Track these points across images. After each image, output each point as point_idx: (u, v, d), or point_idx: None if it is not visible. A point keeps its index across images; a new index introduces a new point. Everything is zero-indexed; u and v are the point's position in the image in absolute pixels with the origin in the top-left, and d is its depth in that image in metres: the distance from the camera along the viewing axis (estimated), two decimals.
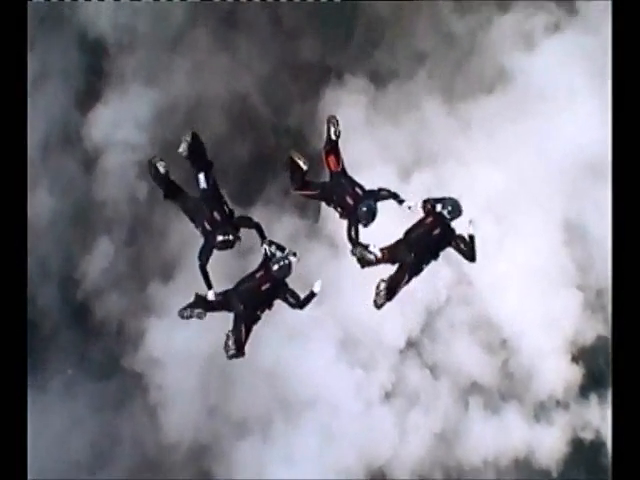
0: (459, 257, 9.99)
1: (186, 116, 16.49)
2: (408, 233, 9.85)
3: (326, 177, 10.29)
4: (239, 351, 9.87)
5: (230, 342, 9.88)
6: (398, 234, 9.92)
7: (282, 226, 15.76)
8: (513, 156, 15.67)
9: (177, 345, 15.61)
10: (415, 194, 15.11)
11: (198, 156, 10.04)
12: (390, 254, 9.69)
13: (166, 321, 15.66)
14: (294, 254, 9.98)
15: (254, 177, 16.54)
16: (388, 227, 9.80)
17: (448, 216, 9.71)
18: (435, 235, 9.70)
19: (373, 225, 9.74)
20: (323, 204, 10.46)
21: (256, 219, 10.23)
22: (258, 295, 9.84)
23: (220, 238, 9.69)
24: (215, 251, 9.78)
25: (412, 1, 16.56)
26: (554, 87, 15.85)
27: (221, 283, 9.81)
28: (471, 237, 9.78)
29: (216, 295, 9.85)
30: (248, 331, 9.89)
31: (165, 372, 15.97)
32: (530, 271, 15.44)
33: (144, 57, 16.87)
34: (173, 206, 10.26)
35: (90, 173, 16.69)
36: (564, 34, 16.16)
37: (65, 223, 16.58)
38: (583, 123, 15.26)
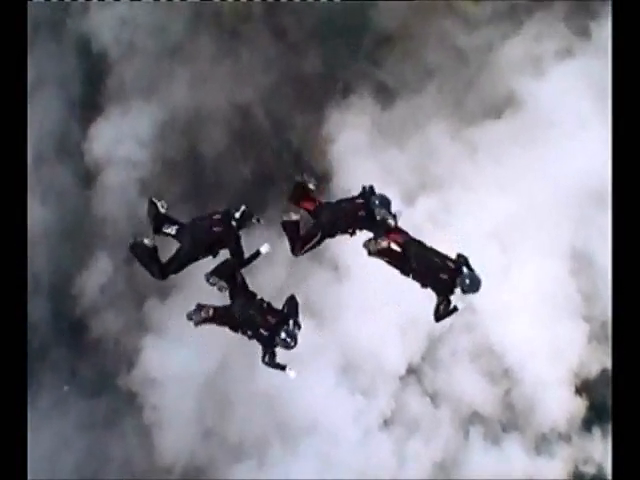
0: None
1: (187, 132, 16.46)
2: (339, 202, 10.07)
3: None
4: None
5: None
6: None
7: (283, 248, 15.61)
8: (520, 182, 15.47)
9: (174, 364, 15.47)
10: (420, 218, 15.21)
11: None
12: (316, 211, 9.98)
13: (163, 340, 15.57)
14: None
15: (256, 196, 16.39)
16: None
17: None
18: (359, 216, 9.87)
19: None
20: None
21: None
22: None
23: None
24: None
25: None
26: (563, 113, 15.65)
27: None
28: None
29: None
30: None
31: (161, 392, 15.79)
32: (535, 300, 15.24)
33: (145, 68, 16.77)
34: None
35: (90, 188, 16.60)
36: (575, 59, 15.97)
37: (62, 238, 16.47)
38: (592, 150, 15.04)
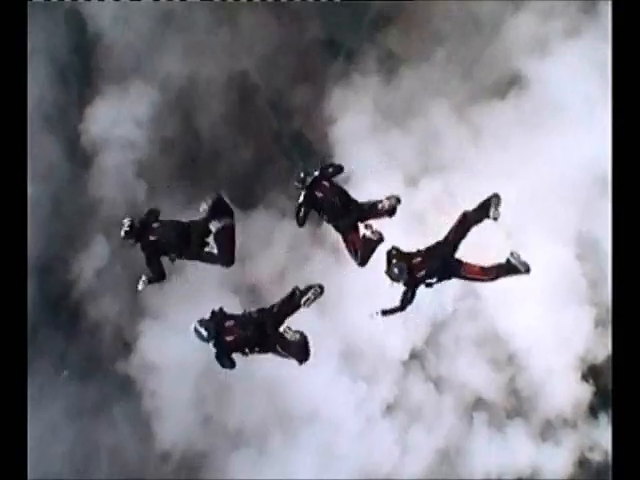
0: None
1: (184, 113, 16.30)
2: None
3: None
4: None
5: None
6: None
7: (283, 232, 15.48)
8: (525, 167, 15.29)
9: (172, 350, 15.18)
10: (423, 202, 15.02)
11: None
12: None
13: (161, 325, 15.48)
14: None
15: (256, 180, 16.25)
16: None
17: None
18: (335, 202, 9.93)
19: None
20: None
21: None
22: None
23: None
24: None
25: None
26: (569, 96, 15.47)
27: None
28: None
29: None
30: None
31: (159, 378, 15.73)
32: (540, 286, 14.96)
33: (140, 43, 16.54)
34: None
35: (86, 170, 16.42)
36: (581, 39, 15.71)
37: (58, 220, 16.27)
38: (598, 135, 14.79)
